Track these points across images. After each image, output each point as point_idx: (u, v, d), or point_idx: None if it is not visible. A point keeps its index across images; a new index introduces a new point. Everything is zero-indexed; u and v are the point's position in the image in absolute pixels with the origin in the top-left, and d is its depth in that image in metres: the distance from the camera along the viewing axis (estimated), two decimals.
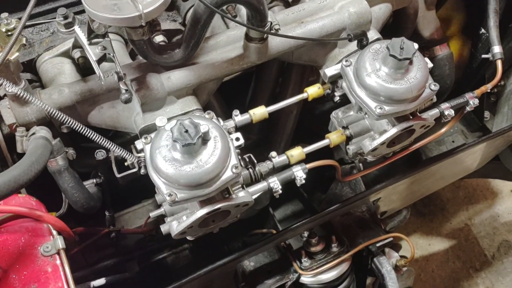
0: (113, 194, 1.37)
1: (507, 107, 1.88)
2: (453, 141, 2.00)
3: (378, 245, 1.45)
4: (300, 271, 1.42)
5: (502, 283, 2.38)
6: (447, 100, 1.26)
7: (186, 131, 0.90)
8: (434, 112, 1.22)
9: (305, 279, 1.44)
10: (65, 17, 1.08)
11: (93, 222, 1.43)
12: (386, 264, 1.48)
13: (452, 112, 1.23)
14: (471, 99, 1.27)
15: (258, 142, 1.56)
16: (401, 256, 1.62)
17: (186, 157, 0.92)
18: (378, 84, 1.05)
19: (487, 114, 1.96)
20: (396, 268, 1.57)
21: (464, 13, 1.74)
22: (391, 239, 1.47)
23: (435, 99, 1.23)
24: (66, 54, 1.13)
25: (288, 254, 1.45)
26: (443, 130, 1.39)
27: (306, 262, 1.43)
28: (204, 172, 0.92)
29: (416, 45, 1.03)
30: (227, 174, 0.95)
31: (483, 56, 1.40)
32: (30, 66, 1.13)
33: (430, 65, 1.13)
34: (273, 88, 1.45)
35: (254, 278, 1.45)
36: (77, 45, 1.11)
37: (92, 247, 1.44)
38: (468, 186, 2.62)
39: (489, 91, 1.92)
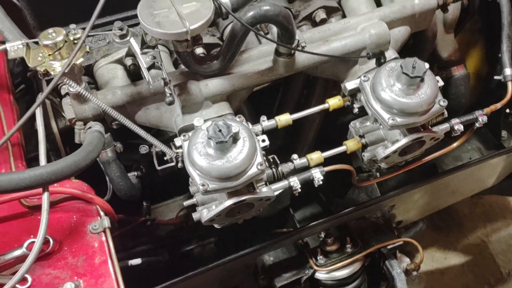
0: (150, 189, 1.54)
1: None
2: (470, 158, 2.08)
3: (389, 247, 1.56)
4: (316, 267, 1.54)
5: None
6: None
7: (220, 130, 1.04)
8: (444, 126, 1.33)
9: (320, 275, 1.56)
10: (120, 29, 1.24)
11: (127, 213, 1.59)
12: (396, 267, 1.58)
13: (461, 127, 1.34)
14: (480, 116, 1.38)
15: (283, 147, 1.70)
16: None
17: (218, 153, 1.06)
18: (391, 98, 1.18)
19: (504, 133, 2.04)
20: (407, 272, 1.68)
21: (483, 37, 1.84)
22: (401, 242, 1.57)
23: (446, 115, 1.35)
24: (119, 61, 1.30)
25: (305, 251, 1.57)
26: (454, 144, 1.51)
27: (321, 259, 1.56)
28: (233, 167, 1.06)
29: (427, 65, 1.16)
30: (253, 170, 1.09)
31: (495, 77, 1.50)
32: (88, 70, 1.31)
33: (441, 83, 1.25)
34: (299, 99, 1.59)
35: (273, 271, 1.58)
36: (129, 53, 1.27)
37: (129, 234, 1.60)
38: (486, 203, 2.68)
39: (507, 111, 2.03)
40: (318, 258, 1.56)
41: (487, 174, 1.91)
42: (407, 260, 1.69)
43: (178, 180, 1.35)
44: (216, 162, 1.06)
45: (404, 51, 1.45)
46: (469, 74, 1.71)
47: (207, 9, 1.06)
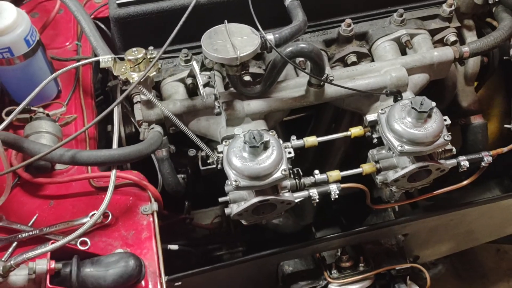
0: (192, 195, 1.79)
1: None
2: None
3: (397, 268, 1.70)
4: (329, 279, 1.71)
5: None
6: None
7: (254, 138, 1.30)
8: (452, 161, 1.51)
9: (333, 287, 1.72)
10: (186, 55, 1.56)
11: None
12: None
13: (467, 163, 1.52)
14: (486, 156, 1.55)
15: (310, 169, 1.92)
16: None
17: (251, 156, 1.30)
18: (402, 128, 1.38)
19: None
20: None
21: (505, 93, 2.02)
22: (409, 266, 1.71)
23: (454, 152, 1.53)
24: (182, 80, 1.60)
25: (321, 264, 1.75)
26: (465, 182, 1.67)
27: (335, 273, 1.72)
28: (261, 169, 1.29)
29: (433, 103, 1.36)
30: (278, 174, 1.32)
31: (505, 126, 1.67)
32: (157, 86, 1.62)
33: (448, 122, 1.44)
34: (327, 129, 1.83)
35: (291, 279, 1.76)
36: (190, 74, 1.57)
37: (168, 230, 1.84)
38: None
39: None
40: (332, 272, 1.73)
41: (505, 218, 2.02)
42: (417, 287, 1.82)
43: (216, 190, 1.60)
44: (248, 163, 1.30)
45: (428, 97, 1.66)
46: (487, 124, 1.88)
47: (255, 42, 1.34)
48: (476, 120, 1.87)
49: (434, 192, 1.65)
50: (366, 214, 1.97)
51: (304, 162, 1.92)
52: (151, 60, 1.41)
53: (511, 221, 2.03)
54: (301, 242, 1.89)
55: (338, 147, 1.85)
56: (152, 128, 1.46)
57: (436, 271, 2.30)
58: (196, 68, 1.43)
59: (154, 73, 1.40)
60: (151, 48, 1.43)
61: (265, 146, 1.32)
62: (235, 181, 1.31)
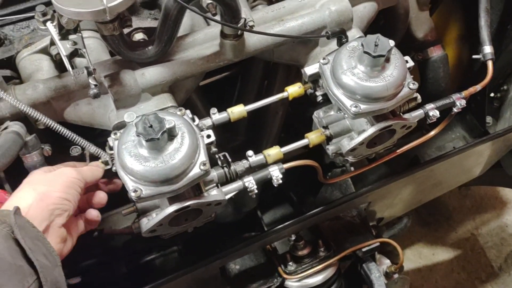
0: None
1: (509, 112, 1.82)
2: (454, 147, 1.94)
3: (364, 250, 1.41)
4: (285, 276, 1.39)
5: None
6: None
7: (151, 126, 0.89)
8: (418, 113, 1.18)
9: (291, 283, 1.41)
10: (44, 14, 1.09)
11: None
12: (375, 270, 1.44)
13: (437, 113, 1.19)
14: (458, 100, 1.23)
15: (246, 143, 1.55)
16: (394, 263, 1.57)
17: (152, 153, 0.91)
18: (353, 82, 1.02)
19: (489, 119, 1.90)
20: (387, 275, 1.53)
21: (462, 16, 1.69)
22: (378, 244, 1.42)
23: (419, 100, 1.20)
24: (44, 51, 1.14)
25: (273, 258, 1.42)
26: (432, 133, 1.35)
27: (291, 266, 1.40)
28: (169, 168, 0.91)
29: (392, 42, 1.00)
30: (195, 170, 0.93)
31: (474, 56, 1.35)
32: (9, 63, 1.15)
33: (410, 64, 1.10)
34: (259, 89, 1.44)
35: (239, 281, 1.42)
36: (54, 42, 1.12)
37: (78, 246, 1.44)
38: (476, 195, 2.54)
39: (492, 95, 1.88)
40: (287, 265, 1.40)
41: (472, 163, 1.77)
42: (387, 261, 1.55)
43: None
44: (149, 163, 0.90)
45: (375, 32, 1.30)
46: (447, 55, 1.57)
47: None
48: (435, 52, 1.55)
49: (398, 151, 1.32)
50: (319, 185, 1.64)
51: (236, 135, 1.53)
52: None
53: (479, 164, 1.78)
54: (246, 233, 1.55)
55: (275, 112, 1.47)
56: (5, 129, 1.00)
57: (402, 225, 2.06)
58: (53, 31, 0.97)
59: None
60: None
61: (170, 134, 0.92)
62: (135, 190, 0.91)
